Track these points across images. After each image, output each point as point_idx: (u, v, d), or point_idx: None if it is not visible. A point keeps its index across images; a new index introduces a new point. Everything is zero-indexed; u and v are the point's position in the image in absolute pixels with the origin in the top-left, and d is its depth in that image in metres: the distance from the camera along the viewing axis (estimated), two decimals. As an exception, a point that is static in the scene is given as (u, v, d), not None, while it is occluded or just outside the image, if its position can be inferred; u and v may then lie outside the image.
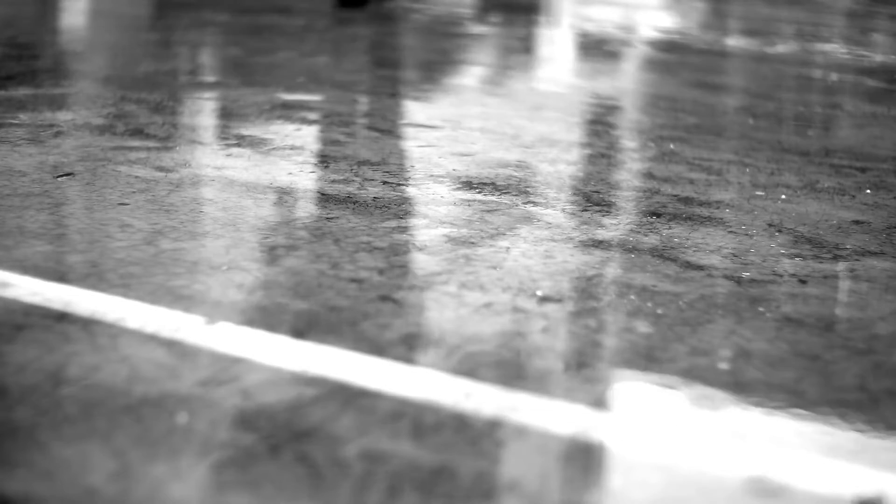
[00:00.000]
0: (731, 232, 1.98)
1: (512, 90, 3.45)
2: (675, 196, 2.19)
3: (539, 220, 1.99)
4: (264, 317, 1.50)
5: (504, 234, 1.90)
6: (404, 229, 1.90)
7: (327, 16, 4.97)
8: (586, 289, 1.67)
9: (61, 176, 2.11)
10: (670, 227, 1.98)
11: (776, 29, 5.63)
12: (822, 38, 5.22)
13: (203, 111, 2.88)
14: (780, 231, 2.00)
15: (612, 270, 1.75)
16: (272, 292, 1.59)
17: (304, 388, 1.31)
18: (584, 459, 1.19)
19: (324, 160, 2.34)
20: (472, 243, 1.84)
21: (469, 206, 2.06)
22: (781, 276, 1.77)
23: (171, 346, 1.39)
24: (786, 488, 1.15)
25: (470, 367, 1.37)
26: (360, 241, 1.83)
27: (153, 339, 1.40)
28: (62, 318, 1.45)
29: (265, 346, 1.40)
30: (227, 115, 2.81)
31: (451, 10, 5.58)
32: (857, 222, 2.08)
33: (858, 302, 1.68)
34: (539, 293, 1.63)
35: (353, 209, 2.00)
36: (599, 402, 1.31)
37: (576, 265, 1.77)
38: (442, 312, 1.54)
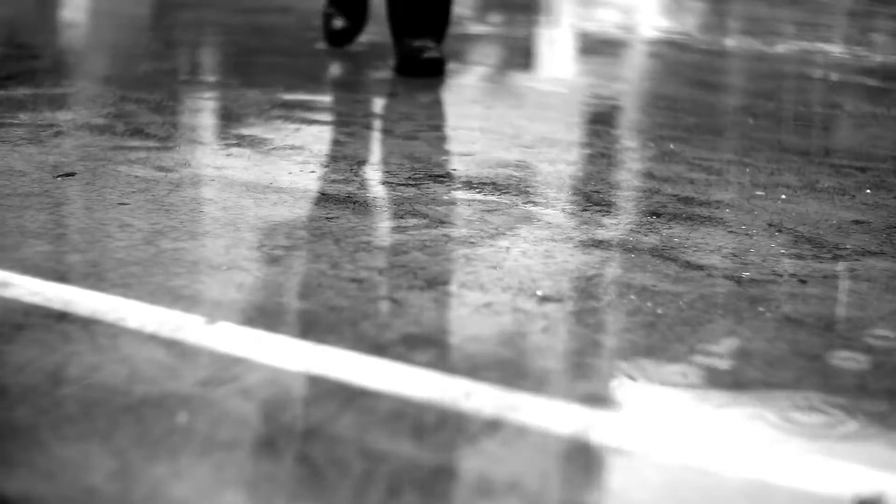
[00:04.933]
0: (731, 232, 1.98)
1: (512, 90, 3.45)
2: (675, 196, 2.19)
3: (539, 220, 1.99)
4: (264, 317, 1.50)
5: (504, 234, 1.90)
6: (404, 229, 1.90)
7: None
8: (586, 289, 1.67)
9: (61, 176, 2.11)
10: (670, 227, 1.98)
11: (776, 29, 5.63)
12: (822, 38, 5.22)
13: (203, 111, 2.88)
14: (780, 231, 2.00)
15: (612, 270, 1.75)
16: (272, 292, 1.59)
17: (304, 388, 1.31)
18: (584, 459, 1.19)
19: (324, 160, 2.34)
20: (472, 243, 1.84)
21: (469, 206, 2.06)
22: (781, 275, 1.77)
23: (171, 345, 1.39)
24: (785, 488, 1.15)
25: (470, 366, 1.37)
26: (360, 241, 1.83)
27: (153, 339, 1.40)
28: (62, 318, 1.45)
29: (265, 346, 1.40)
30: (227, 115, 2.81)
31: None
32: (857, 222, 2.08)
33: (858, 302, 1.68)
34: (539, 293, 1.63)
35: (353, 209, 2.00)
36: (599, 402, 1.31)
37: (576, 265, 1.77)
38: (442, 312, 1.54)
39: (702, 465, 1.18)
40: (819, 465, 1.19)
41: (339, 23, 3.82)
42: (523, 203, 2.10)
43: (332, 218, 1.95)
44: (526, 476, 1.14)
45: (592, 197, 2.17)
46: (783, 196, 2.24)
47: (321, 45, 4.05)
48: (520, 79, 3.68)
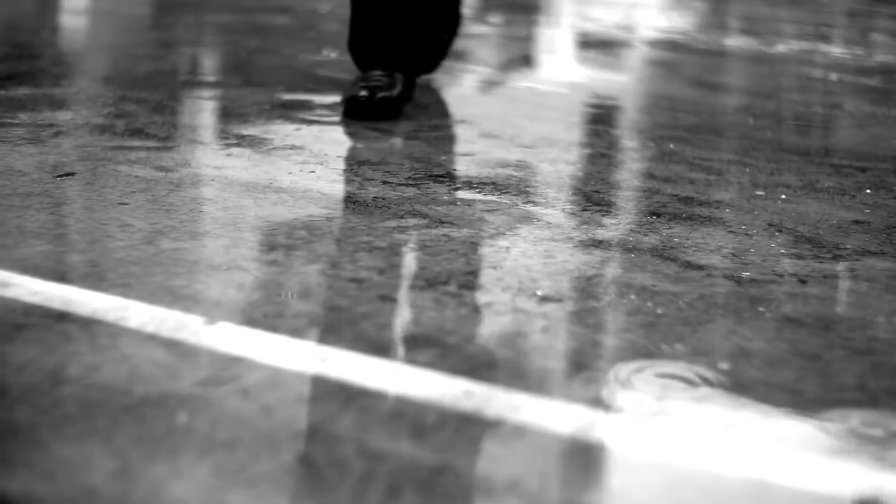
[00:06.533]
0: (731, 232, 1.98)
1: (512, 90, 3.45)
2: (675, 196, 2.19)
3: (539, 220, 1.99)
4: (264, 317, 1.50)
5: (504, 234, 1.90)
6: (404, 229, 1.90)
7: (327, 16, 4.98)
8: (586, 288, 1.67)
9: (62, 176, 2.11)
10: (670, 227, 1.98)
11: (776, 29, 5.63)
12: (822, 38, 5.22)
13: (203, 111, 2.88)
14: (780, 231, 2.00)
15: (612, 270, 1.75)
16: (272, 292, 1.59)
17: (304, 388, 1.31)
18: (584, 459, 1.19)
19: (324, 160, 2.34)
20: (472, 243, 1.84)
21: (469, 206, 2.06)
22: (781, 275, 1.77)
23: (171, 345, 1.39)
24: (785, 488, 1.15)
25: (470, 366, 1.37)
26: (360, 241, 1.83)
27: (153, 339, 1.40)
28: (62, 317, 1.45)
29: (265, 346, 1.40)
30: (227, 114, 2.81)
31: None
32: (857, 222, 2.08)
33: (858, 302, 1.68)
34: (539, 293, 1.63)
35: (353, 209, 2.00)
36: (599, 402, 1.31)
37: (576, 265, 1.77)
38: (442, 312, 1.54)
39: (702, 465, 1.18)
40: (819, 465, 1.19)
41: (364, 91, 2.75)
42: (523, 203, 2.10)
43: (332, 218, 1.95)
44: (526, 476, 1.14)
45: (592, 197, 2.17)
46: (783, 196, 2.24)
47: (322, 46, 4.05)
48: (520, 79, 3.68)
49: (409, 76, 2.84)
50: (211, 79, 3.38)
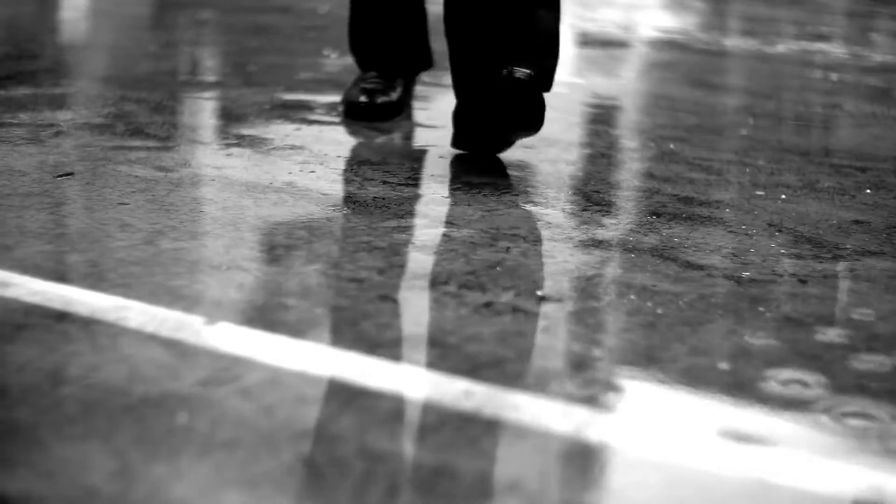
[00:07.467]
0: (731, 231, 1.98)
1: (512, 90, 3.43)
2: (675, 196, 2.19)
3: (539, 220, 1.99)
4: (264, 317, 1.50)
5: (504, 234, 1.90)
6: (404, 229, 1.90)
7: (327, 15, 4.98)
8: (586, 289, 1.67)
9: (61, 175, 2.11)
10: (670, 227, 1.98)
11: (776, 29, 5.64)
12: (822, 38, 5.22)
13: (203, 111, 2.88)
14: (780, 231, 2.00)
15: (612, 270, 1.75)
16: (272, 292, 1.59)
17: (304, 388, 1.31)
18: (583, 459, 1.19)
19: (324, 160, 2.34)
20: (473, 243, 1.84)
21: (469, 205, 2.06)
22: (781, 275, 1.77)
23: (171, 345, 1.39)
24: (785, 488, 1.15)
25: (470, 366, 1.37)
26: (360, 241, 1.83)
27: (153, 339, 1.40)
28: (62, 317, 1.45)
29: (265, 346, 1.40)
30: (227, 115, 2.81)
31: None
32: (857, 222, 2.08)
33: (858, 302, 1.68)
34: (539, 293, 1.63)
35: (353, 209, 2.00)
36: (599, 402, 1.31)
37: (576, 265, 1.77)
38: (442, 312, 1.54)
39: (702, 465, 1.18)
40: (819, 465, 1.19)
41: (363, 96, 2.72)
42: (523, 203, 2.10)
43: (332, 218, 1.95)
44: (526, 476, 1.14)
45: (592, 197, 2.17)
46: (783, 196, 2.24)
47: (322, 46, 4.05)
48: (520, 79, 3.67)
49: (410, 77, 2.84)
50: (211, 79, 3.38)
